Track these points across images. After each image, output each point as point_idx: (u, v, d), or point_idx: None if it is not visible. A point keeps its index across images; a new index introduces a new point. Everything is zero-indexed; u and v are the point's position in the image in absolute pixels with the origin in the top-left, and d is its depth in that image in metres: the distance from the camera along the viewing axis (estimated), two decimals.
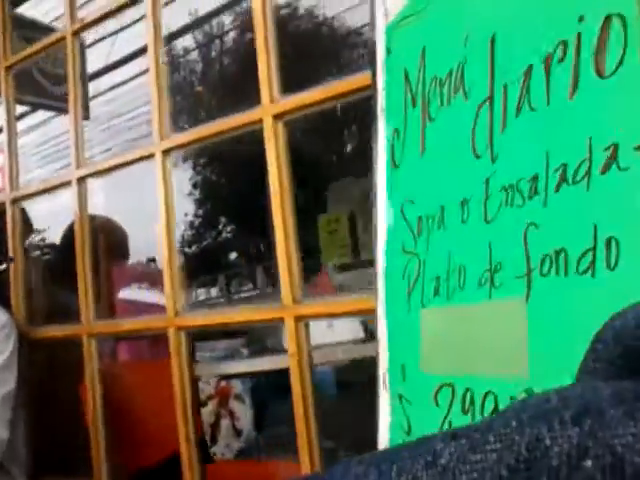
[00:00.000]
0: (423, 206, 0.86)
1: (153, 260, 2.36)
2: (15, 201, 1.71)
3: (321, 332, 2.05)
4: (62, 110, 4.34)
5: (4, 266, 1.39)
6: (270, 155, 1.22)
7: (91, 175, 1.54)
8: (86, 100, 4.30)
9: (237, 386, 3.05)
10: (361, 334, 2.05)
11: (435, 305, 0.80)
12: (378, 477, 0.29)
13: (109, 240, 1.85)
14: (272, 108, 1.22)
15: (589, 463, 0.23)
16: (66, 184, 1.58)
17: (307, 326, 1.20)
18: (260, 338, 2.92)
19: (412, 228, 0.88)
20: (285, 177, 1.21)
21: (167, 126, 1.39)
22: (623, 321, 0.31)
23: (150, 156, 1.41)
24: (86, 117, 4.28)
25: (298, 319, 1.18)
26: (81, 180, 1.55)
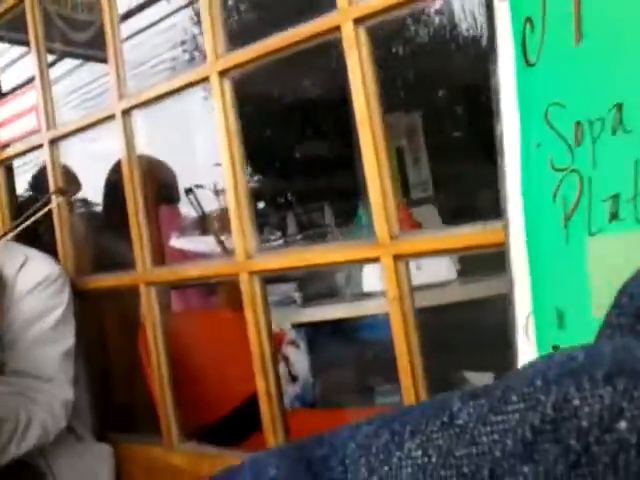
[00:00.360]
0: (583, 108, 0.68)
1: (200, 187, 2.22)
2: (53, 141, 1.55)
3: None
4: (87, 57, 4.14)
5: (54, 204, 1.24)
6: (353, 68, 1.04)
7: (137, 106, 1.37)
8: None
9: (291, 332, 2.94)
10: (453, 275, 1.88)
11: (614, 232, 0.63)
12: (391, 438, 0.28)
13: (157, 181, 1.70)
14: (352, 11, 1.03)
15: (623, 425, 0.22)
16: (109, 118, 1.42)
17: (407, 266, 1.04)
18: (312, 283, 2.78)
19: (565, 138, 0.70)
20: (372, 92, 1.03)
21: (222, 43, 1.21)
22: None
23: (204, 79, 1.23)
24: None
25: (397, 258, 1.02)
26: (125, 113, 1.38)
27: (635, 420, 0.22)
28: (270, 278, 3.18)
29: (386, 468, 0.29)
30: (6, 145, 1.72)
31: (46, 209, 1.30)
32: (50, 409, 1.22)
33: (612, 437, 0.22)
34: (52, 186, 1.53)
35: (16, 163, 1.79)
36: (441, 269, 1.83)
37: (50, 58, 1.83)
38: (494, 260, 0.91)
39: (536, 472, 0.25)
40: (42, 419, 1.20)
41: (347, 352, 2.89)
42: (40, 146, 1.57)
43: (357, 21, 1.03)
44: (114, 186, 1.73)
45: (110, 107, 1.40)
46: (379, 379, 2.76)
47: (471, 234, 0.94)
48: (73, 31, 3.76)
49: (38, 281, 1.33)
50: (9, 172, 1.76)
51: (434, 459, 0.28)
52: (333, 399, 2.80)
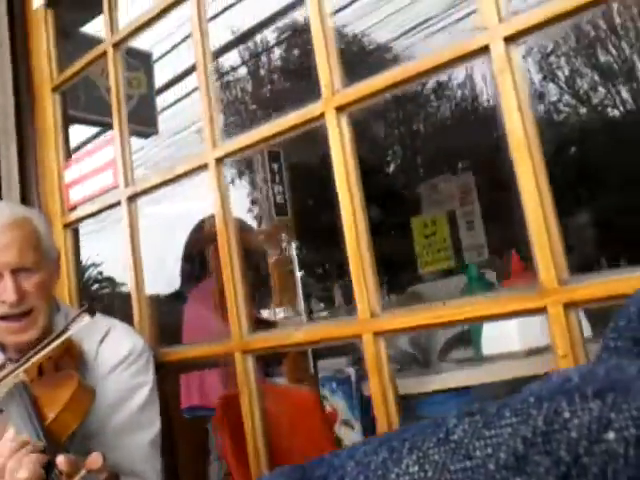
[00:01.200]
0: None
1: None
2: (132, 198, 1.43)
3: (509, 336, 1.71)
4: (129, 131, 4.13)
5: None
6: (506, 92, 0.92)
7: (232, 154, 1.26)
8: (154, 114, 4.07)
9: (344, 411, 2.75)
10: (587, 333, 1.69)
11: None
12: (389, 455, 0.29)
13: (248, 245, 1.56)
14: (503, 29, 0.92)
15: (611, 435, 0.22)
16: (200, 169, 1.30)
17: (577, 315, 0.88)
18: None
19: None
20: (529, 120, 0.91)
21: (339, 77, 1.10)
22: None
23: (318, 117, 1.11)
24: (154, 132, 4.05)
25: (568, 306, 0.87)
26: (219, 162, 1.26)
27: (623, 430, 0.21)
28: (320, 353, 2.97)
29: None
30: (73, 208, 1.61)
31: (77, 328, 1.08)
32: None
33: (601, 448, 0.22)
34: (130, 247, 1.40)
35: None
36: None
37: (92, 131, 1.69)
38: None
39: None
40: None
41: None
42: (117, 204, 1.45)
43: (508, 40, 0.92)
44: (193, 249, 1.60)
45: (203, 156, 1.28)
46: None
47: None
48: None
49: (121, 358, 1.17)
50: (76, 235, 1.64)
51: (430, 474, 0.28)
52: None
